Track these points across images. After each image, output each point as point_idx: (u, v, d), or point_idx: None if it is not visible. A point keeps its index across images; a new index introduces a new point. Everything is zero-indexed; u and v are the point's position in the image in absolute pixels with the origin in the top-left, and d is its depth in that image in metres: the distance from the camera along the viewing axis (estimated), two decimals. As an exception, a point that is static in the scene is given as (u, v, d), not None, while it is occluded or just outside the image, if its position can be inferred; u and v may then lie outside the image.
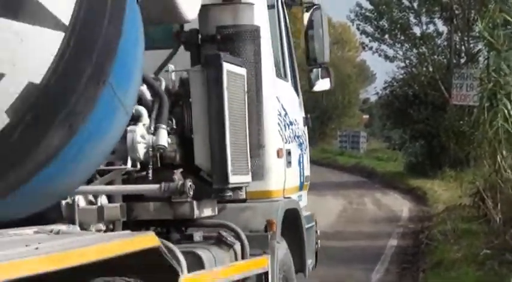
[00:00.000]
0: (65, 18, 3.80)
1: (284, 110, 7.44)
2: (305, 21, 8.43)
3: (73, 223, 4.68)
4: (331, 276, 12.79)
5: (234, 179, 5.68)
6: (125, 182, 5.51)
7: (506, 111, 11.38)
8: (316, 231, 8.94)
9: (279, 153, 7.16)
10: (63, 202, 4.77)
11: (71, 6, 3.81)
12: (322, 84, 8.68)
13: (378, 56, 37.17)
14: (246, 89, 5.92)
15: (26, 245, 3.57)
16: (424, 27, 35.61)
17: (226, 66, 5.59)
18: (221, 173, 5.59)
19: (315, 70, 8.58)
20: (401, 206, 25.43)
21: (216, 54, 5.64)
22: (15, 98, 3.66)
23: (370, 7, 36.38)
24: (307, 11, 8.44)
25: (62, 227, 4.41)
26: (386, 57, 36.65)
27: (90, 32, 3.92)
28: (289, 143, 7.60)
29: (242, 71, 5.88)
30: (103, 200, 5.31)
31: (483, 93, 12.22)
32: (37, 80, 3.71)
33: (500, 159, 11.67)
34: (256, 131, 6.13)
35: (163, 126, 5.50)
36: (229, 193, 5.73)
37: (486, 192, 12.68)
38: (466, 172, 27.76)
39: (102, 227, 4.99)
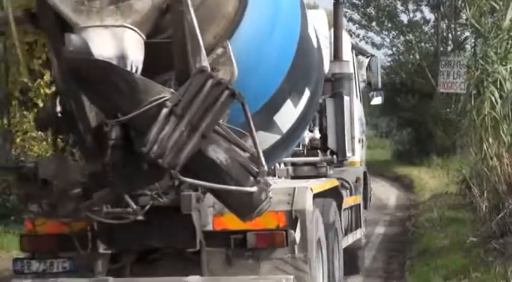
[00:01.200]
0: (284, 128, 7.30)
1: (359, 116, 12.63)
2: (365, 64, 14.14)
3: (274, 176, 9.04)
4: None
5: (347, 154, 10.38)
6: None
7: (493, 98, 11.38)
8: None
9: (359, 141, 12.24)
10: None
11: (291, 122, 7.37)
12: (377, 100, 14.83)
13: (365, 44, 37.14)
14: (349, 107, 10.59)
15: None
16: (411, 14, 35.67)
17: (344, 97, 10.40)
18: (342, 151, 10.21)
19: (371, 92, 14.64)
20: (388, 193, 25.50)
21: (339, 91, 10.38)
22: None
23: (357, -6, 36.36)
24: (367, 58, 14.23)
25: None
26: (374, 44, 36.68)
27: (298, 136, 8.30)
28: (362, 135, 12.96)
29: (347, 98, 10.55)
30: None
31: (470, 81, 12.23)
32: None
33: (486, 147, 11.68)
34: (351, 129, 10.63)
35: (317, 128, 10.29)
36: (345, 162, 10.72)
37: (472, 180, 12.70)
38: (453, 160, 27.83)
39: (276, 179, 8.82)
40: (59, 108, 6.79)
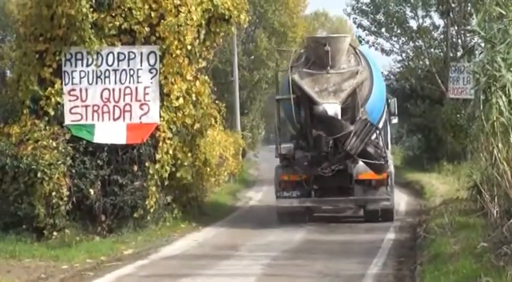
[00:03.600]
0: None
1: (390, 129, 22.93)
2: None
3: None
4: (329, 270, 12.85)
5: (388, 156, 19.00)
6: None
7: (501, 104, 11.38)
8: None
9: (388, 147, 20.88)
10: None
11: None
12: (394, 120, 22.94)
13: (374, 50, 37.17)
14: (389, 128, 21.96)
15: None
16: (421, 20, 35.71)
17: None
18: (384, 155, 18.41)
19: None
20: (398, 199, 25.45)
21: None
22: None
23: (366, 1, 36.43)
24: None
25: None
26: (383, 50, 36.69)
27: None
28: (391, 143, 22.74)
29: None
30: None
31: (478, 87, 12.23)
32: None
33: (496, 153, 11.67)
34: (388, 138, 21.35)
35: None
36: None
37: (483, 186, 12.68)
38: (463, 165, 27.79)
39: None
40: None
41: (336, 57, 18.49)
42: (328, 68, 18.39)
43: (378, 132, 18.62)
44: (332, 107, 17.97)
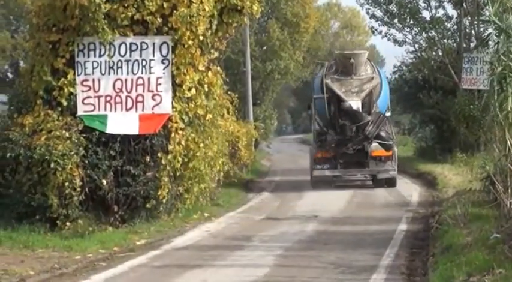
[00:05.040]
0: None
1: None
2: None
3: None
4: (342, 260, 12.85)
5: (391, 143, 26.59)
6: None
7: (516, 94, 11.34)
8: None
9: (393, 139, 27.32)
10: None
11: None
12: (388, 113, 28.21)
13: (387, 41, 37.05)
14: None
15: None
16: (434, 11, 35.52)
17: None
18: (392, 137, 26.32)
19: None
20: (411, 190, 25.43)
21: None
22: None
23: (379, -9, 36.21)
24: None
25: None
26: (396, 41, 36.51)
27: None
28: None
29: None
30: None
31: (493, 77, 12.18)
32: None
33: (510, 144, 11.63)
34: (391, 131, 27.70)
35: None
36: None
37: (496, 177, 12.65)
38: (477, 156, 27.72)
39: None
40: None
41: (357, 67, 25.79)
42: (352, 75, 25.69)
43: (387, 122, 26.28)
44: (355, 103, 25.31)
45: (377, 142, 25.30)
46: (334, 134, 25.77)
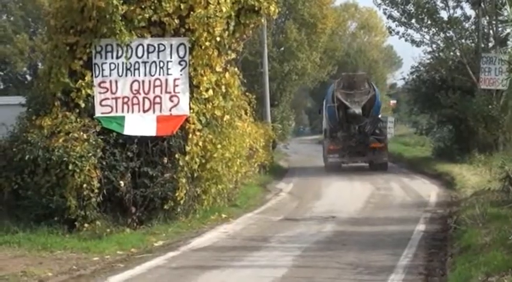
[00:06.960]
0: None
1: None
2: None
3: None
4: (360, 261, 12.83)
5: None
6: None
7: (534, 94, 11.30)
8: None
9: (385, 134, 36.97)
10: None
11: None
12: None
13: (404, 41, 36.93)
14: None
15: None
16: (451, 11, 35.36)
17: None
18: (385, 133, 36.88)
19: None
20: (429, 190, 25.36)
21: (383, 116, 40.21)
22: None
23: (396, -9, 36.09)
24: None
25: None
26: (413, 41, 36.37)
27: None
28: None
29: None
30: None
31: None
32: None
33: (528, 143, 11.60)
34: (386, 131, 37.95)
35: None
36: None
37: (515, 177, 12.62)
38: (495, 156, 27.61)
39: None
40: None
41: (359, 84, 34.73)
42: (355, 89, 34.29)
43: (381, 122, 36.24)
44: (358, 110, 33.61)
45: (373, 137, 34.28)
46: (342, 132, 34.28)
